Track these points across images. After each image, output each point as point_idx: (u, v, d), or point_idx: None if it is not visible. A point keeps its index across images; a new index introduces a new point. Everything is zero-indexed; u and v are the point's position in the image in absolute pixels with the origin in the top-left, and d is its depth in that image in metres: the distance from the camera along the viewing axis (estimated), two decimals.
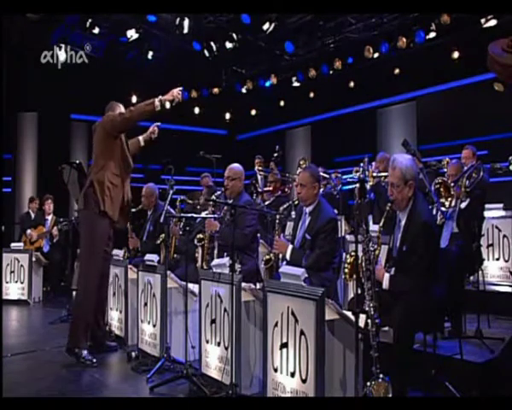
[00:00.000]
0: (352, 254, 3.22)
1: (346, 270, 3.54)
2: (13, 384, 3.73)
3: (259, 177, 8.07)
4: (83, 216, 4.51)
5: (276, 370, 3.10)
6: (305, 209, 4.19)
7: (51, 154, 9.30)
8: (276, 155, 7.12)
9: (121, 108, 4.63)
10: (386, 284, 3.26)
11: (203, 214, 5.00)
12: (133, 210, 5.93)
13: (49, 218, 8.36)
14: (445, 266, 3.34)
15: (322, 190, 6.27)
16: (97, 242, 4.42)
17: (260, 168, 7.91)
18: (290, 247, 4.12)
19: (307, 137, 11.40)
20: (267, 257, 4.45)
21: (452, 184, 4.36)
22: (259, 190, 7.11)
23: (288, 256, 4.09)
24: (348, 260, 3.49)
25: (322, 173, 6.46)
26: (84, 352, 4.28)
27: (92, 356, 4.29)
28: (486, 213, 5.19)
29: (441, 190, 4.25)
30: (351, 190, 6.32)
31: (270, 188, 7.03)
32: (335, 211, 6.19)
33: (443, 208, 4.18)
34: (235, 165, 4.85)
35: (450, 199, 4.19)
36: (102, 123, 4.54)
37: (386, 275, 3.28)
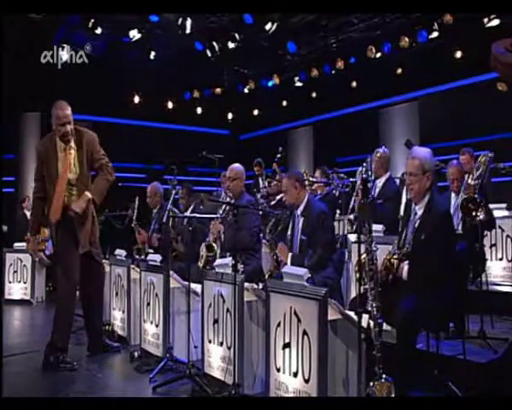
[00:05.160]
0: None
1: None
2: (15, 384, 3.74)
3: (260, 179, 8.06)
4: None
5: (278, 370, 3.10)
6: (297, 212, 4.30)
7: None
8: (279, 155, 7.12)
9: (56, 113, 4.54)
10: (405, 275, 3.27)
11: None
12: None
13: None
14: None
15: (320, 191, 6.29)
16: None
17: (259, 173, 7.95)
18: (290, 254, 4.20)
19: (309, 137, 11.40)
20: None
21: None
22: (262, 190, 7.14)
23: (288, 263, 4.14)
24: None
25: (317, 175, 6.48)
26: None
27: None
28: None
29: (469, 206, 4.24)
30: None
31: (274, 190, 7.03)
32: (338, 211, 6.22)
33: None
34: (236, 165, 4.88)
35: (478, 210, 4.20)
36: None
37: (405, 267, 3.29)
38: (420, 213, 3.38)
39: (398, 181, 5.88)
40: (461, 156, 5.60)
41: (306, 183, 6.01)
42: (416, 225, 3.37)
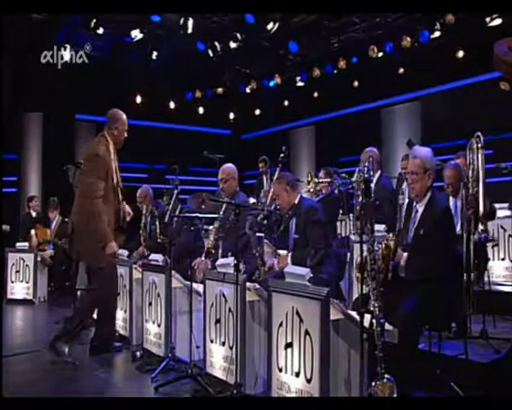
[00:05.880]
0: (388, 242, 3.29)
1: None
2: (17, 384, 3.75)
3: (264, 178, 8.08)
4: None
5: (280, 370, 3.10)
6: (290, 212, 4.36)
7: (56, 154, 9.33)
8: (282, 155, 7.12)
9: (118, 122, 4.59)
10: (403, 262, 3.29)
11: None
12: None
13: (54, 222, 8.34)
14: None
15: (325, 191, 6.29)
16: None
17: (264, 171, 7.97)
18: (290, 254, 4.25)
19: (311, 137, 11.40)
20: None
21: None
22: (265, 189, 7.13)
23: (289, 262, 4.17)
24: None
25: (321, 175, 6.51)
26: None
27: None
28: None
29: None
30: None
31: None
32: (340, 211, 6.22)
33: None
34: (227, 165, 4.89)
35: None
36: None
37: (405, 254, 3.30)
38: (421, 210, 3.41)
39: (395, 180, 5.90)
40: (456, 160, 5.57)
41: (312, 184, 6.04)
42: (417, 221, 3.39)
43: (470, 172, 4.32)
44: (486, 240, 4.35)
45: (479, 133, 4.34)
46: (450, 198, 4.82)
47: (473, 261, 4.08)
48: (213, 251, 4.78)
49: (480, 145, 4.30)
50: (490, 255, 5.25)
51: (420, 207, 3.43)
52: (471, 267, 4.06)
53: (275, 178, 5.07)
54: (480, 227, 4.16)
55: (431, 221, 3.30)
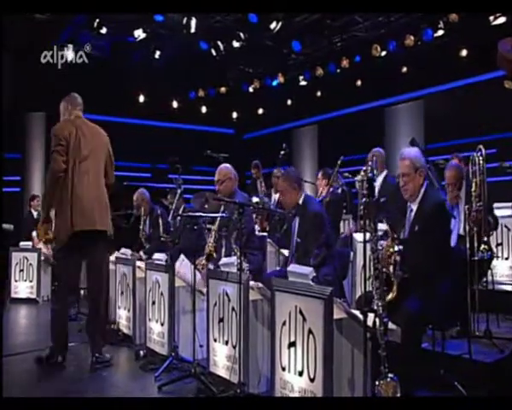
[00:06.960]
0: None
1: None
2: (18, 383, 3.77)
3: (258, 183, 7.99)
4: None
5: (284, 369, 3.10)
6: (293, 212, 4.27)
7: None
8: (282, 152, 7.11)
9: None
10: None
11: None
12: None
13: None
14: (454, 265, 3.35)
15: (324, 190, 6.30)
16: None
17: (257, 176, 7.93)
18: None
19: (314, 136, 11.39)
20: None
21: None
22: (263, 192, 7.14)
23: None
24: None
25: (319, 177, 6.51)
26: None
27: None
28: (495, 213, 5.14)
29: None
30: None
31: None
32: (344, 211, 6.22)
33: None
34: (223, 166, 4.84)
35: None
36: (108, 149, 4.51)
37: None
38: (415, 208, 3.42)
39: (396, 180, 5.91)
40: (453, 162, 5.56)
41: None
42: (412, 219, 3.40)
43: (473, 185, 4.29)
44: (490, 258, 4.34)
45: (480, 146, 4.32)
46: (452, 200, 4.79)
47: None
48: (215, 254, 4.69)
49: (481, 158, 4.27)
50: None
51: (414, 206, 3.43)
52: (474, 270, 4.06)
53: (280, 174, 4.98)
54: (483, 246, 4.14)
55: (425, 217, 3.31)
